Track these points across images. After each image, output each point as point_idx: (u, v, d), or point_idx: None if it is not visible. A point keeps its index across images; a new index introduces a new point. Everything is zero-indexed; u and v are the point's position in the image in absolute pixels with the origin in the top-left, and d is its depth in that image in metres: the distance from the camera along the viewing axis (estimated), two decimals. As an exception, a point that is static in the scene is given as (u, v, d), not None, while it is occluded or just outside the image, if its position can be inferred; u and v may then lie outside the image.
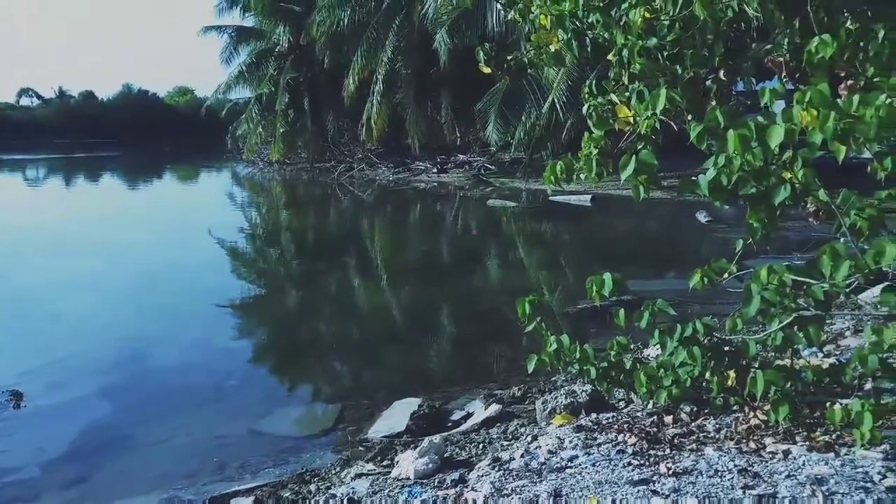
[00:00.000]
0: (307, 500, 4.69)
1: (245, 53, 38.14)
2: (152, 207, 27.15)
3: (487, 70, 5.45)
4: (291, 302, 12.04)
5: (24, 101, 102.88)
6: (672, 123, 3.86)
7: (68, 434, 6.35)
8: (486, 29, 24.09)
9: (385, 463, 5.18)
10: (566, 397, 5.40)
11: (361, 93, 30.08)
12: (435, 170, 31.09)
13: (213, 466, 5.62)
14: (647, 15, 4.06)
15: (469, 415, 6.22)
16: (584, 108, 4.36)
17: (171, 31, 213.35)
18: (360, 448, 5.72)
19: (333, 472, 5.23)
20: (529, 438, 4.96)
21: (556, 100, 21.92)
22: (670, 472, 3.64)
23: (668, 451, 3.99)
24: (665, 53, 4.09)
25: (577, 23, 4.44)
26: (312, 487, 4.96)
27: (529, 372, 4.65)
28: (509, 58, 5.44)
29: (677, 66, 4.11)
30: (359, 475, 4.94)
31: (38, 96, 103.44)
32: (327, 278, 13.46)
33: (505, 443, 5.23)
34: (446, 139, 31.14)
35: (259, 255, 17.09)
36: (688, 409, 4.49)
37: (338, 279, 13.50)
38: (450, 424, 6.08)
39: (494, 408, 6.00)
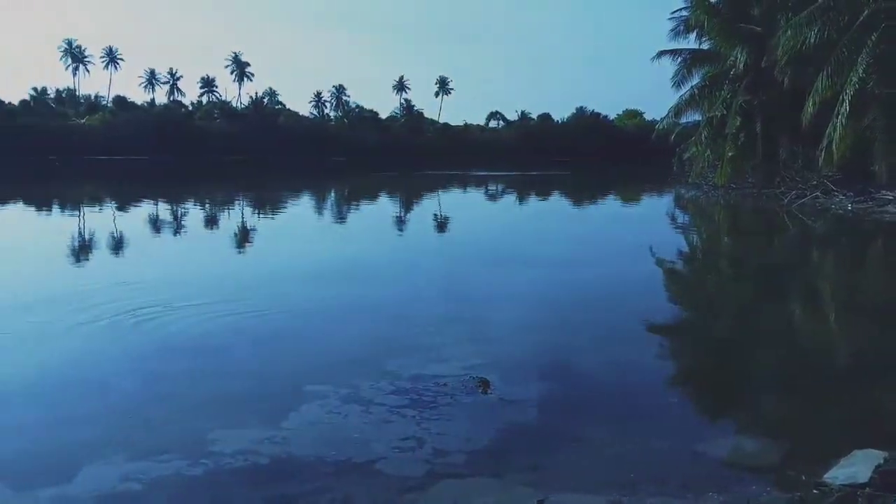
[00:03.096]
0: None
1: (697, 77, 38.06)
2: (592, 225, 28.54)
3: None
4: (729, 328, 11.71)
5: (492, 124, 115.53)
6: None
7: (520, 422, 7.05)
8: None
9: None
10: None
11: (821, 116, 27.90)
12: (905, 201, 27.51)
13: (653, 478, 5.71)
14: None
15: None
16: None
17: (623, 56, 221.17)
18: (815, 492, 5.36)
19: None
20: None
21: None
22: None
23: None
24: None
25: None
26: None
27: None
28: None
29: None
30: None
31: (504, 119, 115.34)
32: (770, 309, 12.80)
33: None
34: (922, 167, 27.34)
35: (697, 279, 16.92)
36: None
37: (782, 311, 12.76)
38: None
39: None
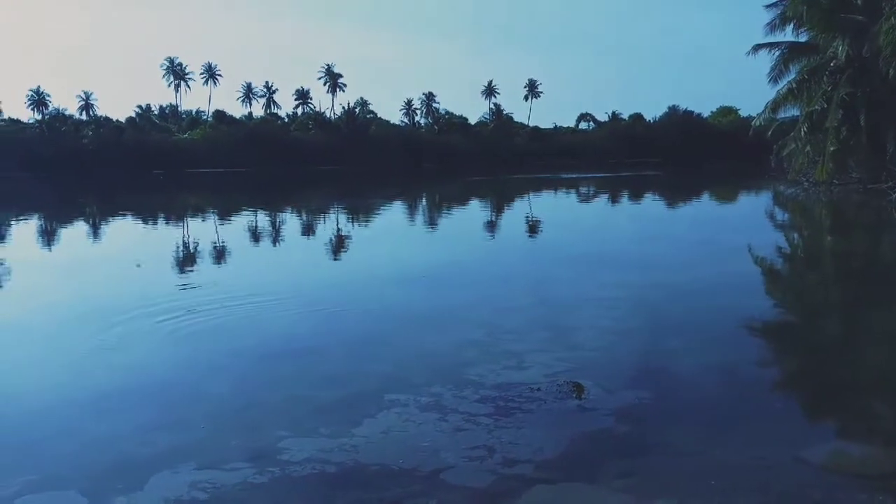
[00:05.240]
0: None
1: (795, 71, 36.74)
2: (687, 225, 27.92)
3: None
4: (834, 330, 11.34)
5: (582, 125, 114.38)
6: None
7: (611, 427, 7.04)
8: None
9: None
10: None
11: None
12: None
13: (754, 486, 5.59)
14: None
15: None
16: None
17: (716, 52, 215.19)
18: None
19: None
20: None
21: None
22: None
23: None
24: None
25: None
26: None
27: None
28: None
29: None
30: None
31: (594, 120, 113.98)
32: (877, 310, 12.25)
33: None
34: None
35: (799, 279, 16.38)
36: None
37: (890, 312, 12.19)
38: None
39: None
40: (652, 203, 40.80)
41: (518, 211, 36.45)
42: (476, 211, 37.74)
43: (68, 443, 6.78)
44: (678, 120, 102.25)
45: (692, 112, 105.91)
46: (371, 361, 9.26)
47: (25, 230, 29.41)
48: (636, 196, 44.29)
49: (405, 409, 7.33)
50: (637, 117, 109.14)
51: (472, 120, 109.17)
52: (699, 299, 13.11)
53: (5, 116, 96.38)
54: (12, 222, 31.45)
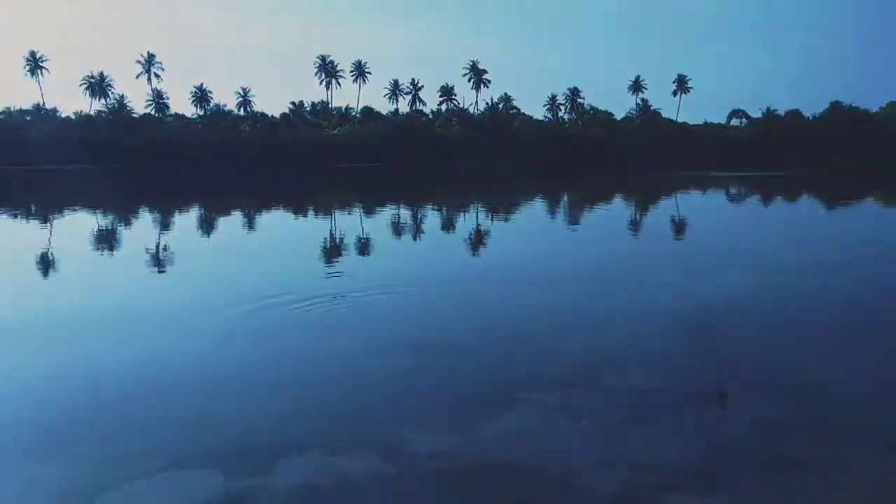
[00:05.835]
0: None
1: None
2: (852, 228, 26.13)
3: None
4: None
5: (734, 122, 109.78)
6: None
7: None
8: None
9: None
10: None
11: None
12: None
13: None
14: None
15: None
16: None
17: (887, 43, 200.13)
18: None
19: None
20: None
21: None
22: None
23: None
24: None
25: None
26: None
27: None
28: None
29: None
30: None
31: (747, 116, 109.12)
32: None
33: None
34: None
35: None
36: None
37: None
38: None
39: None
40: (810, 204, 38.49)
41: (664, 210, 35.23)
42: (620, 209, 36.73)
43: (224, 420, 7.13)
44: (841, 116, 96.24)
45: (857, 108, 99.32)
46: (505, 362, 9.18)
47: (275, 218, 31.33)
48: (792, 197, 41.85)
49: (536, 408, 7.25)
50: (794, 114, 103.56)
51: (619, 116, 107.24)
52: (869, 309, 12.26)
53: (173, 112, 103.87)
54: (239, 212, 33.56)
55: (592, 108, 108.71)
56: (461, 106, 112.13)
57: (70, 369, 8.95)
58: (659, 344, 9.82)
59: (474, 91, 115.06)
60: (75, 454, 6.41)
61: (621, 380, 8.20)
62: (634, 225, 27.96)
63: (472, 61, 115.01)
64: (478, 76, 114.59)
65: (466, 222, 29.03)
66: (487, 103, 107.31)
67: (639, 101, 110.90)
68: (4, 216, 32.27)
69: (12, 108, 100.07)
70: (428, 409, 7.42)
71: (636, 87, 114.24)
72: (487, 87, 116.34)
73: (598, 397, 7.61)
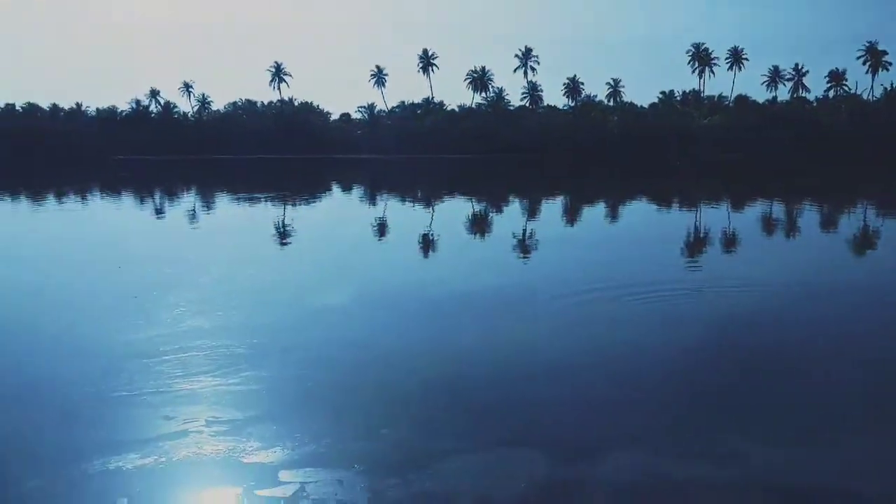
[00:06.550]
0: None
1: None
2: None
3: None
4: None
5: None
6: None
7: None
8: None
9: None
10: None
11: None
12: None
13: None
14: None
15: None
16: None
17: None
18: None
19: None
20: None
21: None
22: None
23: None
24: None
25: None
26: None
27: None
28: None
29: None
30: None
31: None
32: None
33: None
34: None
35: None
36: None
37: None
38: None
39: None
40: None
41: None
42: None
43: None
44: None
45: None
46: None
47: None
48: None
49: None
50: None
51: None
52: None
53: (545, 104, 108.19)
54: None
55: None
56: (854, 92, 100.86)
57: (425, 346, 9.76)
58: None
59: (870, 76, 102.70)
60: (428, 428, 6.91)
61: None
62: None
63: (869, 42, 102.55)
64: (875, 58, 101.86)
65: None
66: (885, 88, 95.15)
67: None
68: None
69: (406, 102, 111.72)
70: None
71: None
72: (887, 69, 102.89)
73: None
